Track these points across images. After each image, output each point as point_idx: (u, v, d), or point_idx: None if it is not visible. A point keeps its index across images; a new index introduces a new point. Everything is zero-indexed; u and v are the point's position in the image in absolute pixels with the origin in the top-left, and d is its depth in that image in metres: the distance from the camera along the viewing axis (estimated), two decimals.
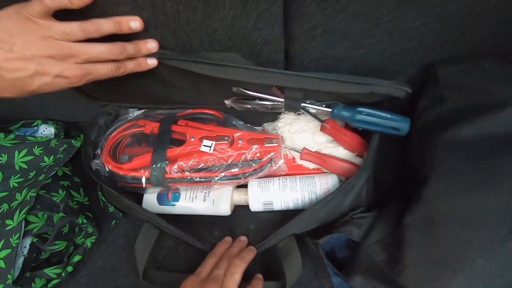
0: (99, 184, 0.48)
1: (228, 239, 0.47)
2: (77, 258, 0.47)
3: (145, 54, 0.38)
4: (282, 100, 0.42)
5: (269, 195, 0.46)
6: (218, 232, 0.49)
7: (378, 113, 0.40)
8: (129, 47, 0.35)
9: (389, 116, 0.40)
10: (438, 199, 0.33)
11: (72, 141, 0.56)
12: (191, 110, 0.53)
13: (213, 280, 0.37)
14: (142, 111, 0.54)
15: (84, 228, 0.48)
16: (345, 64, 0.40)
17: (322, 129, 0.45)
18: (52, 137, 0.57)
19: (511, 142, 0.32)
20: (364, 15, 0.32)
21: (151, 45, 0.37)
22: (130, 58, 0.37)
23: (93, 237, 0.49)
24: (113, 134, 0.52)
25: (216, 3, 0.30)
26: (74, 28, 0.32)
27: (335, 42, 0.36)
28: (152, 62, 0.38)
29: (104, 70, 0.35)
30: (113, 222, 0.51)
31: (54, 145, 0.54)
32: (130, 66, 0.37)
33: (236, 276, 0.38)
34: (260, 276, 0.42)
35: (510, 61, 0.35)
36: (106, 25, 0.33)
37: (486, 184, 0.31)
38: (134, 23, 0.34)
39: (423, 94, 0.42)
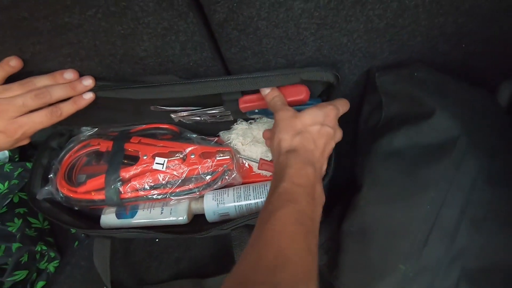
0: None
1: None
2: (40, 284, 0.47)
3: (82, 92, 0.37)
4: (221, 107, 0.43)
5: (224, 207, 0.47)
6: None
7: None
8: (58, 89, 0.35)
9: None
10: (369, 208, 0.35)
11: (27, 164, 0.55)
12: (144, 126, 0.53)
13: None
14: (95, 129, 0.53)
15: (45, 253, 0.49)
16: None
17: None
18: (6, 160, 0.56)
19: (437, 151, 0.33)
20: (288, 38, 0.32)
21: (87, 82, 0.37)
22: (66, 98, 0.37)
23: (55, 261, 0.49)
24: (67, 156, 0.51)
25: (133, 38, 0.30)
26: (14, 86, 0.35)
27: (269, 60, 0.36)
28: (89, 97, 0.38)
29: (39, 118, 0.36)
30: (76, 243, 0.52)
31: (8, 170, 0.53)
32: (68, 107, 0.37)
33: None
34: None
35: (438, 68, 0.36)
36: (41, 80, 0.35)
37: (411, 194, 0.33)
38: (68, 74, 0.36)
39: (367, 99, 0.43)
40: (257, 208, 0.47)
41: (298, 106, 0.41)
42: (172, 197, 0.47)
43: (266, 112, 0.44)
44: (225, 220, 0.48)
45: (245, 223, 0.43)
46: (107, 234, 0.45)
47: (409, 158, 0.34)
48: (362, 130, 0.44)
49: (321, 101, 0.43)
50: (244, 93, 0.42)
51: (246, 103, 0.42)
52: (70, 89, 0.36)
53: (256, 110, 0.44)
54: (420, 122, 0.34)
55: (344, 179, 0.51)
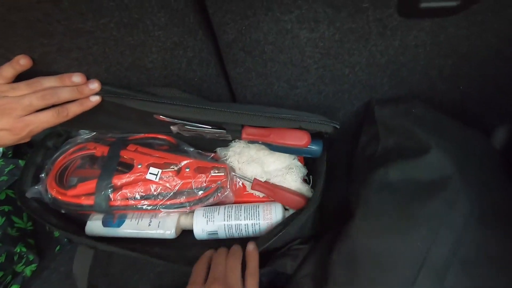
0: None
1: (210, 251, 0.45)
2: (14, 287, 0.46)
3: (88, 95, 0.38)
4: (222, 131, 0.43)
5: (213, 225, 0.46)
6: (159, 249, 0.49)
7: None
8: (65, 91, 0.36)
9: None
10: (360, 238, 0.34)
11: (20, 161, 0.54)
12: (142, 135, 0.53)
13: (215, 282, 0.35)
14: (93, 133, 0.53)
15: (24, 256, 0.47)
16: (286, 101, 0.41)
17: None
18: None
19: (430, 189, 0.33)
20: (292, 64, 0.33)
21: (93, 85, 0.38)
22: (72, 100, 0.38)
23: (33, 265, 0.48)
24: (60, 158, 0.51)
25: (142, 49, 0.31)
26: (21, 85, 0.35)
27: (272, 83, 0.37)
28: (95, 99, 0.39)
29: (46, 117, 0.37)
30: (58, 248, 0.50)
31: None
32: (74, 108, 0.38)
33: (236, 272, 0.37)
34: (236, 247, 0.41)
35: (435, 106, 0.37)
36: (49, 81, 0.36)
37: (403, 228, 0.32)
38: (76, 78, 0.36)
39: (364, 130, 0.44)
40: (247, 230, 0.46)
41: (297, 148, 0.42)
42: (162, 209, 0.46)
43: (267, 145, 0.45)
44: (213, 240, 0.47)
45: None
46: (91, 244, 0.44)
47: (403, 192, 0.34)
48: (359, 158, 0.44)
49: (322, 143, 0.43)
50: (243, 125, 0.42)
51: (249, 135, 0.43)
52: (77, 92, 0.37)
53: (260, 142, 0.45)
54: (416, 158, 0.34)
55: (335, 205, 0.50)
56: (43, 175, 0.48)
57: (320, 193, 0.43)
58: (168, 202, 0.46)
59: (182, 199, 0.46)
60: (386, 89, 0.38)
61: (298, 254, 0.41)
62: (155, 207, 0.46)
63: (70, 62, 0.34)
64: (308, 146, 0.42)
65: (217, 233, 0.47)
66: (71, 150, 0.51)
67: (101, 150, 0.51)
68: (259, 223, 0.46)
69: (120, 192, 0.45)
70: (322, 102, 0.41)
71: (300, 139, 0.40)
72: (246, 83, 0.37)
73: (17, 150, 0.59)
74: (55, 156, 0.51)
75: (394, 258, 0.31)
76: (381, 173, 0.37)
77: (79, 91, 0.37)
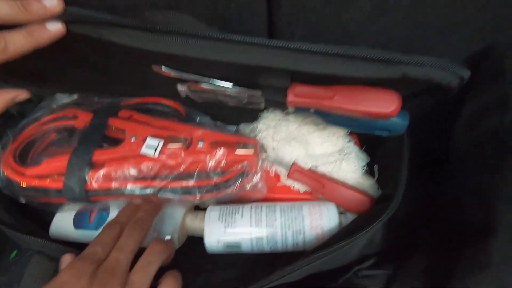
0: None
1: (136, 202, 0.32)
2: None
3: (41, 17, 0.23)
4: (256, 91, 0.28)
5: (234, 235, 0.31)
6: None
7: None
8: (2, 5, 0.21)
9: None
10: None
11: None
12: (140, 99, 0.39)
13: (110, 271, 0.24)
14: (74, 97, 0.40)
15: None
16: (358, 41, 0.27)
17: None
18: None
19: None
20: None
21: (50, 1, 0.23)
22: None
23: None
24: (29, 128, 0.37)
25: None
26: None
27: (345, 3, 0.22)
28: (55, 28, 0.24)
29: None
30: (14, 254, 0.36)
31: None
32: (17, 39, 0.22)
33: (151, 268, 0.25)
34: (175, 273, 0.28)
35: None
36: None
37: None
38: None
39: (471, 94, 0.29)
40: (285, 242, 0.31)
41: (374, 121, 0.27)
42: (160, 195, 0.31)
43: (324, 115, 0.30)
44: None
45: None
46: (52, 253, 0.29)
47: None
48: (464, 138, 0.29)
49: (409, 116, 0.28)
50: (294, 78, 0.28)
51: (299, 96, 0.27)
52: (22, 9, 0.22)
53: (311, 110, 0.30)
54: None
55: (402, 214, 0.35)
56: None
57: (402, 192, 0.28)
58: (170, 185, 0.31)
59: (191, 182, 0.31)
60: None
61: (371, 285, 0.25)
62: (151, 190, 0.31)
63: None
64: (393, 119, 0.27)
65: (239, 246, 0.31)
66: (45, 119, 0.38)
67: (83, 120, 0.37)
68: (303, 232, 0.30)
69: (101, 171, 0.31)
70: (417, 44, 0.26)
71: (386, 104, 0.24)
72: (300, 5, 0.22)
73: None
74: (21, 124, 0.37)
75: None
76: None
77: (25, 7, 0.22)
